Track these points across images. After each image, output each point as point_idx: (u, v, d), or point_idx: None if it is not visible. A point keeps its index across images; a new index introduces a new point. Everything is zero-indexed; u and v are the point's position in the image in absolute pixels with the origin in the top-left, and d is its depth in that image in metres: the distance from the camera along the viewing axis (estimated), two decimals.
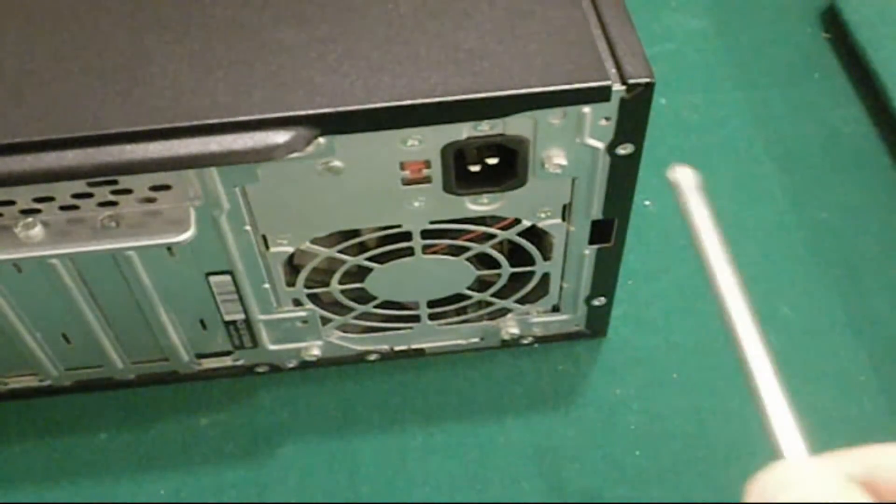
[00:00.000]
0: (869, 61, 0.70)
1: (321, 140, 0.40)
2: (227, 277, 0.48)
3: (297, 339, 0.54)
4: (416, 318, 0.54)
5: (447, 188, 0.44)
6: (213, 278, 0.48)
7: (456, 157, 0.43)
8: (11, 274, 0.46)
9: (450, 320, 0.55)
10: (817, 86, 0.72)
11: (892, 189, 0.65)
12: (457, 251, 0.49)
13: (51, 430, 0.55)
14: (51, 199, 0.42)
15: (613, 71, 0.40)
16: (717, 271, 0.37)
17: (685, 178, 0.36)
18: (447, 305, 0.53)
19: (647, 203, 0.64)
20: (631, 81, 0.40)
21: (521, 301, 0.54)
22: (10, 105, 0.40)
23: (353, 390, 0.56)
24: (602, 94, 0.40)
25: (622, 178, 0.45)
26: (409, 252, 0.48)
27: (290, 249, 0.47)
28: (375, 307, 0.52)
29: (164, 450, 0.54)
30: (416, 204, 0.45)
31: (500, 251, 0.50)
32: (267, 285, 0.49)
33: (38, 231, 0.42)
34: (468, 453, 0.53)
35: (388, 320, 0.54)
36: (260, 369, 0.56)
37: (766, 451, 0.49)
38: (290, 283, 0.50)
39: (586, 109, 0.41)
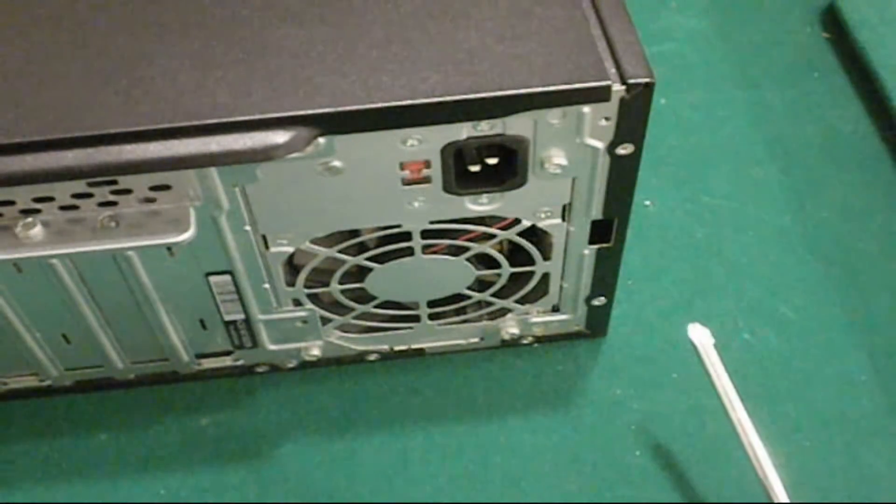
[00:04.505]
0: (869, 61, 0.70)
1: (321, 140, 0.40)
2: (227, 277, 0.48)
3: (297, 339, 0.54)
4: (416, 318, 0.54)
5: (447, 188, 0.44)
6: (213, 278, 0.48)
7: (456, 157, 0.43)
8: (11, 274, 0.46)
9: (450, 320, 0.55)
10: (817, 86, 0.72)
11: (892, 189, 0.65)
12: (457, 251, 0.49)
13: (51, 430, 0.55)
14: (51, 199, 0.42)
15: (613, 71, 0.40)
16: (739, 415, 0.47)
17: (704, 337, 0.48)
18: (447, 305, 0.53)
19: (647, 203, 0.64)
20: (631, 81, 0.40)
21: (521, 301, 0.54)
22: (10, 105, 0.40)
23: (353, 390, 0.56)
24: (602, 94, 0.40)
25: (622, 178, 0.45)
26: (409, 252, 0.48)
27: (290, 249, 0.47)
28: (375, 307, 0.52)
29: (164, 450, 0.54)
30: (416, 204, 0.45)
31: (500, 251, 0.50)
32: (267, 285, 0.49)
33: (38, 231, 0.42)
34: (468, 453, 0.53)
35: (388, 320, 0.54)
36: (260, 369, 0.56)
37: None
38: (290, 283, 0.50)
39: (586, 109, 0.41)
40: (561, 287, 0.53)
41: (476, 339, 0.56)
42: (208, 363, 0.55)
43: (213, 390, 0.56)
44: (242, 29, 0.42)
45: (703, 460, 0.52)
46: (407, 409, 0.55)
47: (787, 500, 0.45)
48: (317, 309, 0.52)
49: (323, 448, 0.54)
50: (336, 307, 0.52)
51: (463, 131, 0.41)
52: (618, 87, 0.40)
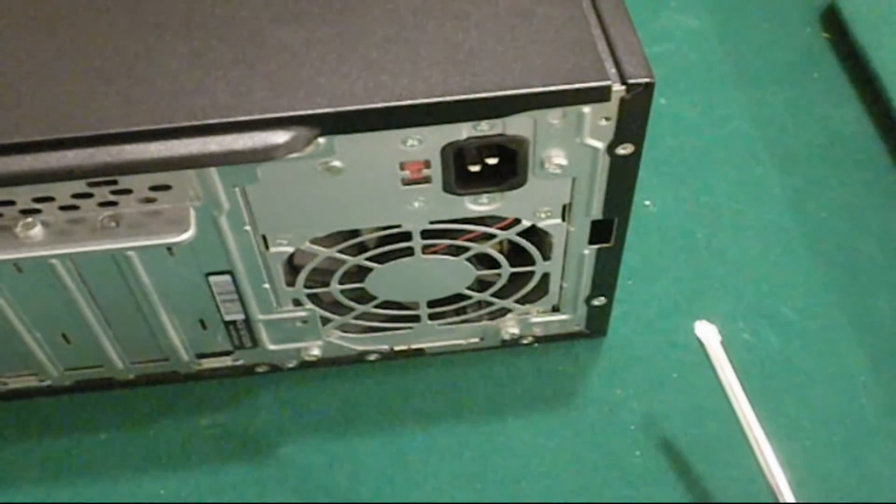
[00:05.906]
0: (869, 61, 0.70)
1: (321, 140, 0.40)
2: (227, 277, 0.48)
3: (297, 339, 0.54)
4: (416, 318, 0.54)
5: (447, 188, 0.44)
6: (213, 278, 0.48)
7: (456, 157, 0.43)
8: (11, 274, 0.46)
9: (450, 320, 0.55)
10: (817, 86, 0.72)
11: (892, 189, 0.65)
12: (457, 251, 0.49)
13: (51, 430, 0.55)
14: (51, 199, 0.42)
15: (613, 71, 0.40)
16: (745, 412, 0.47)
17: (710, 334, 0.48)
18: (447, 305, 0.53)
19: (647, 203, 0.64)
20: (631, 81, 0.40)
21: (521, 301, 0.54)
22: (10, 105, 0.40)
23: (353, 390, 0.56)
24: (602, 94, 0.40)
25: (622, 178, 0.45)
26: (409, 252, 0.48)
27: (290, 249, 0.47)
28: (375, 307, 0.52)
29: (164, 450, 0.54)
30: (416, 204, 0.45)
31: (500, 251, 0.50)
32: (267, 285, 0.49)
33: (38, 231, 0.42)
34: (468, 453, 0.53)
35: (388, 320, 0.54)
36: (260, 369, 0.56)
37: None
38: (290, 283, 0.50)
39: (586, 109, 0.41)
40: (561, 287, 0.53)
41: (476, 339, 0.56)
42: (208, 363, 0.55)
43: (213, 390, 0.56)
44: (242, 29, 0.42)
45: (703, 460, 0.52)
46: (407, 409, 0.55)
47: (793, 500, 0.45)
48: (317, 309, 0.52)
49: (323, 448, 0.54)
50: (336, 307, 0.52)
51: (463, 131, 0.41)
52: (618, 87, 0.40)
